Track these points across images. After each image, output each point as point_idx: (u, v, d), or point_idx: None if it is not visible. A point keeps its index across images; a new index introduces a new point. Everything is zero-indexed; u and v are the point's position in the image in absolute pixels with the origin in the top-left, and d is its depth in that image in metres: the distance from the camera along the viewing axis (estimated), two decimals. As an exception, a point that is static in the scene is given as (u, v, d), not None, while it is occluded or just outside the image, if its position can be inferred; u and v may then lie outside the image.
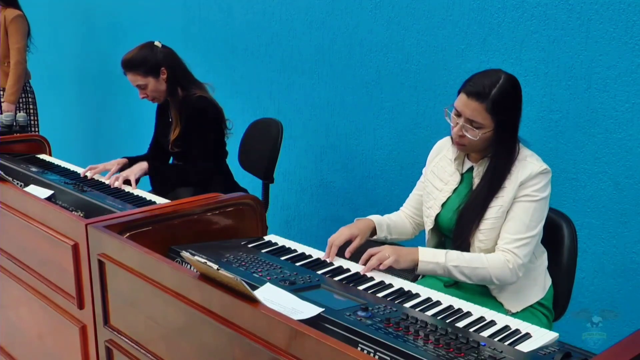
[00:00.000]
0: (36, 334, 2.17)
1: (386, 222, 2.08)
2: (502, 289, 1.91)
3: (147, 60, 2.77)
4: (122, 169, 2.80)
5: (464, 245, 1.92)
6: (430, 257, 1.83)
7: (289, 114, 3.56)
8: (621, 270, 2.46)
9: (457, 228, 1.95)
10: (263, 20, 3.64)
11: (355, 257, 1.86)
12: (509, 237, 1.86)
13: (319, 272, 1.76)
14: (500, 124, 1.84)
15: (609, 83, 2.38)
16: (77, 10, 5.09)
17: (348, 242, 1.93)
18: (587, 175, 2.49)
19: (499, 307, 1.89)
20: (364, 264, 1.79)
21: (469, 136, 1.86)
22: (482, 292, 1.93)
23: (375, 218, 2.07)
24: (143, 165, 2.66)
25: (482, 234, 1.90)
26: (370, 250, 1.80)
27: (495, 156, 1.90)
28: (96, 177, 2.67)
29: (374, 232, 2.04)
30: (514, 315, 1.88)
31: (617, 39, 2.34)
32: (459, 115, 1.87)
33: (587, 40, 2.41)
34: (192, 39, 4.09)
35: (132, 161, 2.91)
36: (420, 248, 1.86)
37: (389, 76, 3.09)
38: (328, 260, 1.85)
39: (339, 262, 1.86)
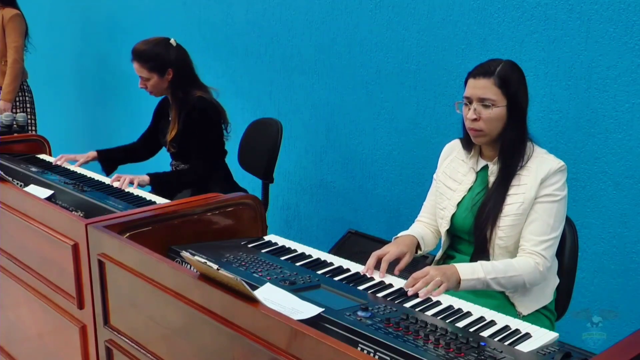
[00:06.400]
0: (36, 334, 2.17)
1: (421, 236, 2.03)
2: (517, 291, 1.89)
3: (158, 58, 2.79)
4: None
5: (484, 243, 1.91)
6: (469, 274, 1.77)
7: (289, 114, 3.56)
8: (621, 270, 2.46)
9: (477, 227, 1.92)
10: (263, 20, 3.64)
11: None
12: (535, 239, 1.85)
13: (319, 272, 1.75)
14: (511, 100, 1.86)
15: (609, 83, 2.38)
16: (77, 10, 5.09)
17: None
18: (587, 175, 2.49)
19: (510, 308, 1.88)
20: (410, 287, 1.68)
21: (483, 116, 1.86)
22: (495, 292, 1.89)
23: (414, 233, 2.02)
24: (145, 178, 2.67)
25: (502, 231, 1.88)
26: (416, 275, 1.69)
27: (506, 143, 1.90)
28: (96, 177, 2.67)
29: (417, 247, 2.00)
30: (524, 318, 1.85)
31: (617, 39, 2.34)
32: (470, 102, 1.89)
33: (587, 40, 2.41)
34: (192, 39, 4.08)
35: (102, 154, 2.98)
36: (456, 265, 1.78)
37: (389, 76, 3.09)
38: (379, 278, 1.76)
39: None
